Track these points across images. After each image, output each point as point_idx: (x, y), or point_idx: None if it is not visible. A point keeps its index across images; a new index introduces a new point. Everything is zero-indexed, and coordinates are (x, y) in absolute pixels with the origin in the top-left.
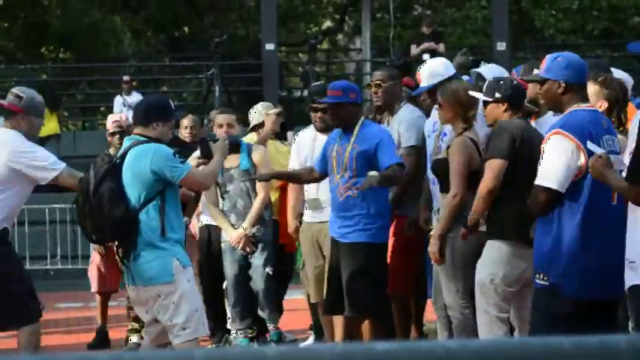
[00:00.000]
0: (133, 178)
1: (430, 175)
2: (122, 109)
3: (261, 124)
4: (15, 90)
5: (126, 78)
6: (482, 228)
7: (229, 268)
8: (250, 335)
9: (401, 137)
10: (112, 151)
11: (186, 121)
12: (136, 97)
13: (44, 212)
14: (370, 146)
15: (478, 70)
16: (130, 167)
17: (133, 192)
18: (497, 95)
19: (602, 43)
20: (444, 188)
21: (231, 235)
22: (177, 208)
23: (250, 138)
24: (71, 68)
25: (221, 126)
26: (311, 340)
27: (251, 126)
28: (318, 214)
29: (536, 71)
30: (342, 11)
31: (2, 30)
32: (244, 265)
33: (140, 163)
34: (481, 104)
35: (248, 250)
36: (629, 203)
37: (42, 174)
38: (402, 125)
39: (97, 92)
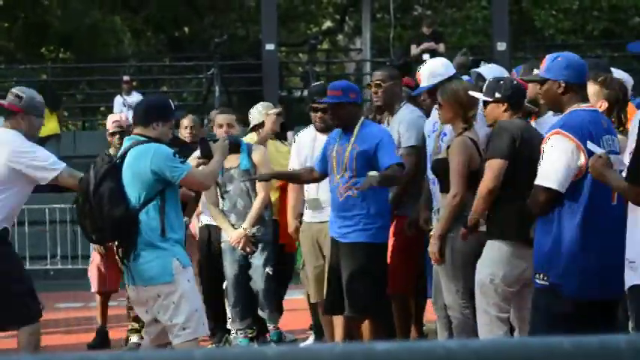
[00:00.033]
0: (133, 178)
1: (430, 175)
2: (122, 109)
3: (261, 124)
4: (15, 90)
5: (126, 78)
6: (483, 228)
7: (229, 268)
8: (250, 335)
9: (401, 137)
10: (112, 151)
11: (186, 121)
12: (136, 97)
13: (44, 212)
14: (370, 146)
15: (478, 70)
16: (130, 167)
17: (133, 192)
18: (497, 95)
19: (602, 43)
20: (444, 188)
21: (231, 235)
22: (178, 208)
23: (250, 138)
24: (71, 68)
25: (221, 126)
26: (311, 340)
27: (251, 126)
28: (318, 214)
29: (536, 71)
30: (342, 11)
31: (2, 30)
32: (244, 265)
33: (140, 163)
34: (481, 104)
35: (248, 250)
36: (629, 203)
37: (42, 174)
38: (402, 125)
39: (97, 92)
